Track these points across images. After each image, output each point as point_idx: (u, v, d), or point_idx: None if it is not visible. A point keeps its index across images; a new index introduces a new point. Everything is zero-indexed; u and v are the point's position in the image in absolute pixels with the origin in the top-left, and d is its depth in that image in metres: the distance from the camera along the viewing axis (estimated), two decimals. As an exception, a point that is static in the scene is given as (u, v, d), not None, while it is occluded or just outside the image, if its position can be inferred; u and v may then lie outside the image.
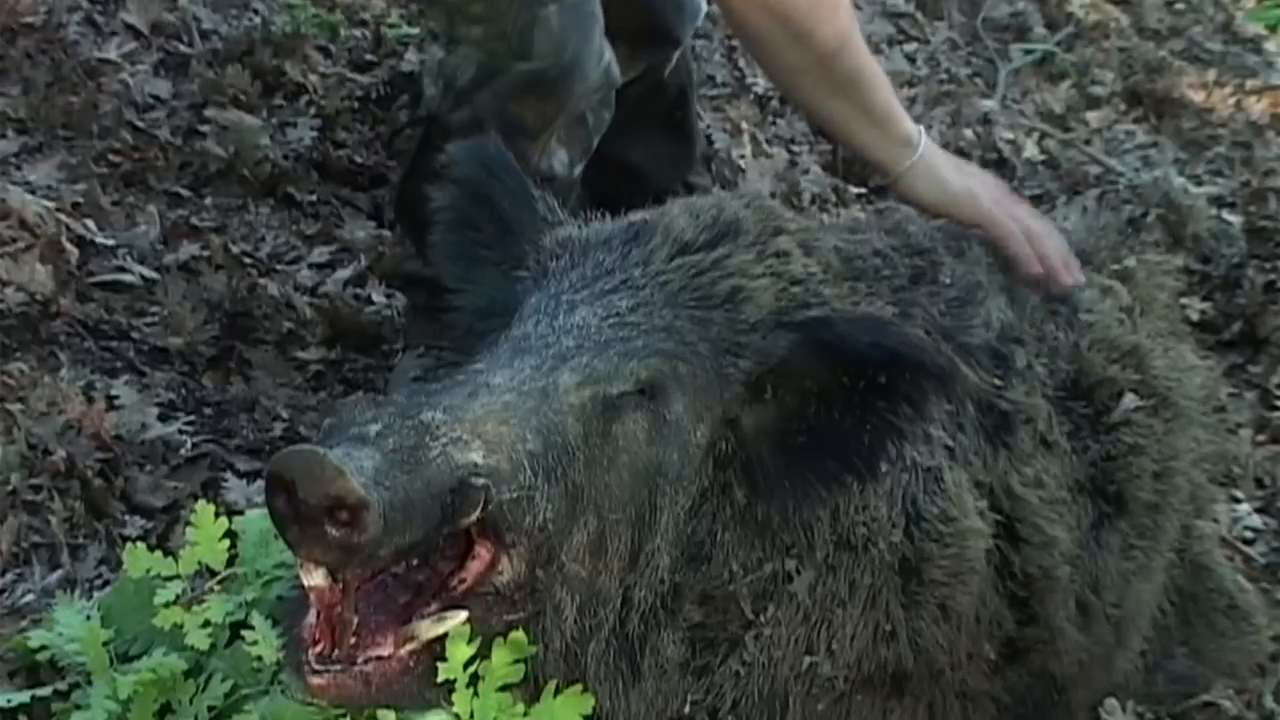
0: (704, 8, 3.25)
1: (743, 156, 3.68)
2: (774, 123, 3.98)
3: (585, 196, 3.36)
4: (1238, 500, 2.86)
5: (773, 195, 3.21)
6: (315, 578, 1.55)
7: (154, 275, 3.03)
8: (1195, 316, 3.28)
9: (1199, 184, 3.90)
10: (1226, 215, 3.71)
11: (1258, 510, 2.87)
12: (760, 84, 4.08)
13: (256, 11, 3.83)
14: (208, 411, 2.78)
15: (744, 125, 3.79)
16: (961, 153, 3.87)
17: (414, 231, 2.86)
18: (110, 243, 3.07)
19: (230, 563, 1.89)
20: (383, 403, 1.69)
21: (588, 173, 3.33)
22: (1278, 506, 2.90)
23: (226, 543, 1.88)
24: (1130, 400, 2.16)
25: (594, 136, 2.75)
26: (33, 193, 3.08)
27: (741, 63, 4.15)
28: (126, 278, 3.01)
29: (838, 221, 3.45)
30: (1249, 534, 2.81)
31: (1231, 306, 3.42)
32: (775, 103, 4.05)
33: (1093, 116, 4.40)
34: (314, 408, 2.81)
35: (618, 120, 3.15)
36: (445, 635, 1.62)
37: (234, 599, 1.86)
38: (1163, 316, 2.39)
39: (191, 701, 1.81)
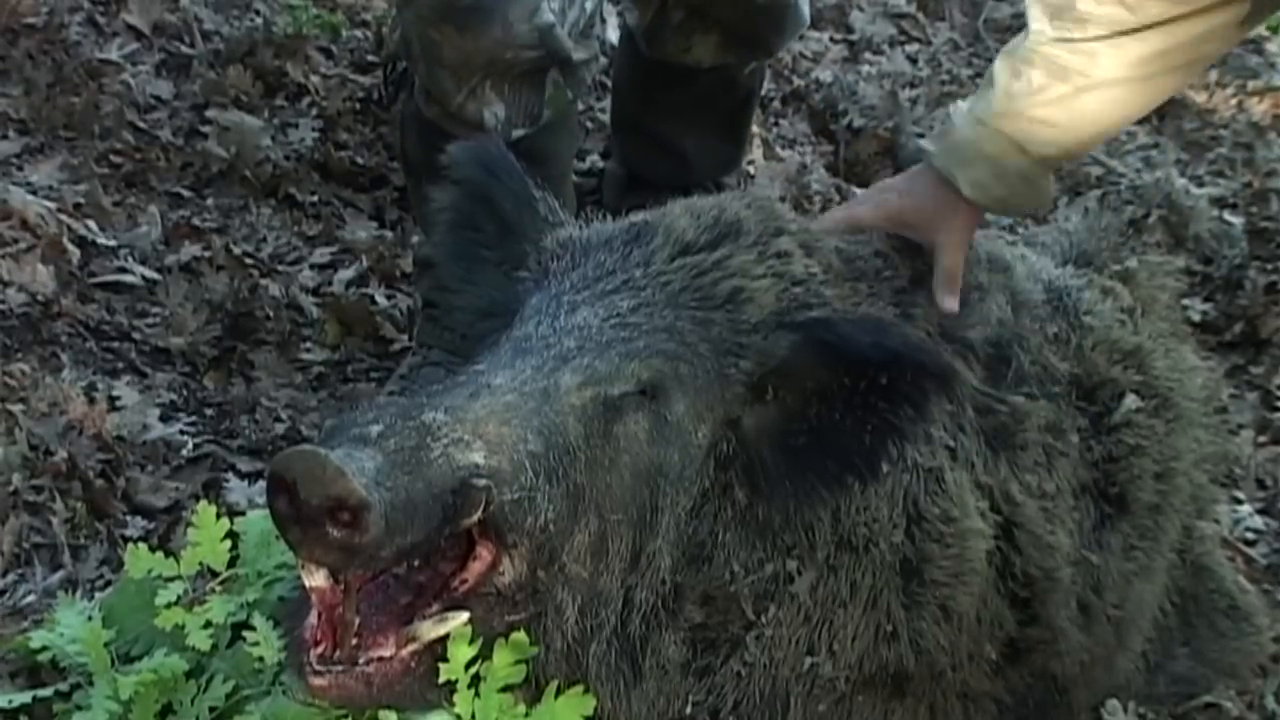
0: (805, 24, 3.26)
1: (751, 162, 3.67)
2: (776, 124, 3.98)
3: (624, 170, 3.41)
4: (1239, 501, 2.86)
5: (782, 199, 3.19)
6: (316, 578, 1.56)
7: (155, 276, 3.04)
8: (1197, 318, 3.29)
9: (1201, 185, 3.89)
10: (1228, 216, 3.71)
11: (1259, 511, 2.87)
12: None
13: (258, 12, 3.83)
14: (209, 412, 2.78)
15: (754, 129, 3.79)
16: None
17: (412, 179, 2.91)
18: (112, 243, 3.07)
19: (232, 563, 1.89)
20: (384, 403, 1.70)
21: (635, 147, 3.36)
22: (1279, 508, 2.90)
23: (228, 543, 1.88)
24: (1132, 401, 2.16)
25: (548, 109, 2.71)
26: (34, 193, 3.08)
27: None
28: (128, 278, 3.01)
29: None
30: (1250, 535, 2.80)
31: (1233, 308, 3.42)
32: (777, 104, 4.04)
33: (1094, 118, 4.37)
34: (315, 408, 2.82)
35: (681, 104, 3.19)
36: (447, 636, 1.62)
37: (235, 600, 1.86)
38: (1164, 317, 2.39)
39: (193, 702, 1.81)
